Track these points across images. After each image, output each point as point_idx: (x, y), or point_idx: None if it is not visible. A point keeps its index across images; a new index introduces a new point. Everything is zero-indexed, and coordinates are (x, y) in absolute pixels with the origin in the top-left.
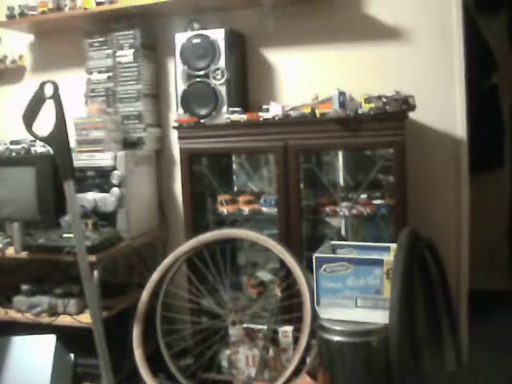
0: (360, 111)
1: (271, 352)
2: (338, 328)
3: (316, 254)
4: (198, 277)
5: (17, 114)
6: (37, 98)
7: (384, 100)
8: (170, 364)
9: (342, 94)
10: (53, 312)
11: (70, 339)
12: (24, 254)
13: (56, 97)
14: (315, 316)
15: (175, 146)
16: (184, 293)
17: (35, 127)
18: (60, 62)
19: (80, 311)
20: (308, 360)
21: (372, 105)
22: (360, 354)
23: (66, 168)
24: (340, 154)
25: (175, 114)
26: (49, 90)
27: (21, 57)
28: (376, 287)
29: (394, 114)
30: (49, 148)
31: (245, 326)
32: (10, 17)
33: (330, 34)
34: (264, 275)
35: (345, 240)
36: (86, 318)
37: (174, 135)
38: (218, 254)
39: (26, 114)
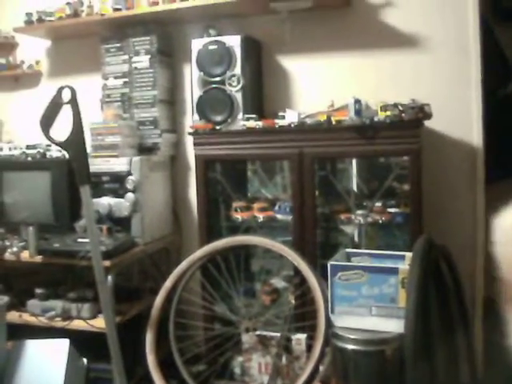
0: (376, 119)
1: (284, 359)
2: (352, 336)
3: (331, 262)
4: (211, 283)
5: (33, 119)
6: (54, 103)
7: (400, 108)
8: (183, 370)
9: (357, 101)
10: (66, 316)
11: (83, 344)
12: (39, 258)
13: (73, 102)
14: (329, 324)
15: (190, 152)
16: (197, 299)
17: (52, 132)
18: (76, 67)
19: (93, 316)
20: (321, 368)
21: (388, 113)
22: (374, 363)
23: (83, 173)
24: (354, 162)
25: (190, 120)
26: (66, 95)
27: (37, 62)
28: (391, 296)
29: (410, 122)
30: (64, 153)
31: (258, 333)
32: (28, 22)
33: (346, 41)
34: (278, 282)
35: (359, 248)
36: (99, 323)
37: (188, 141)
38: (232, 260)
39: (44, 118)
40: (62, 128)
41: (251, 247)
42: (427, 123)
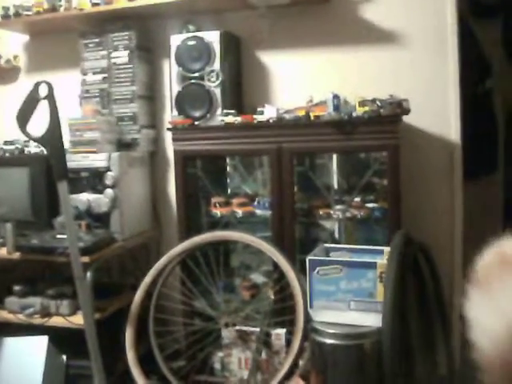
0: (354, 114)
1: (264, 354)
2: (330, 331)
3: (309, 257)
4: (191, 279)
5: (11, 115)
6: (31, 99)
7: (378, 103)
8: (163, 366)
9: (336, 97)
10: (45, 313)
11: (63, 340)
12: (17, 255)
13: (50, 97)
14: (308, 319)
15: (169, 148)
16: (177, 294)
17: (29, 127)
18: (55, 62)
19: (73, 312)
20: (300, 362)
21: (366, 108)
22: (353, 356)
23: (60, 169)
24: (334, 157)
25: (170, 115)
26: (43, 91)
27: (15, 57)
28: (369, 290)
29: (388, 117)
30: (42, 148)
31: (237, 328)
32: (5, 17)
33: (325, 37)
34: (257, 277)
35: (338, 243)
36: (78, 319)
37: (168, 137)
38: (212, 255)
39: (20, 114)
40: (40, 123)
41: (231, 242)
42: (406, 119)
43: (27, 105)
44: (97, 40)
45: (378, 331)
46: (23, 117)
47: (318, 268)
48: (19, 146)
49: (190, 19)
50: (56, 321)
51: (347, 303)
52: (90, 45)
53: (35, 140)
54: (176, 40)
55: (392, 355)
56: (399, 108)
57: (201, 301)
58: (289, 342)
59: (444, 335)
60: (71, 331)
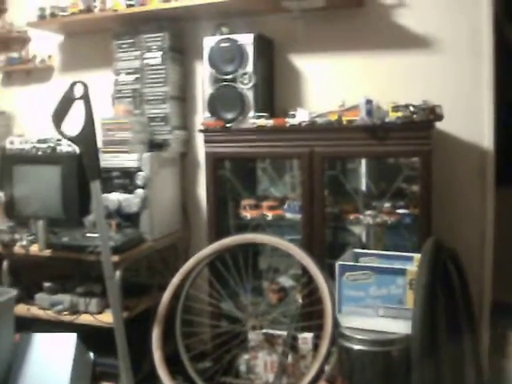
0: (387, 120)
1: (290, 358)
2: (358, 336)
3: (339, 262)
4: (219, 280)
5: (44, 113)
6: (66, 98)
7: (411, 109)
8: (189, 366)
9: (368, 101)
10: (74, 310)
11: (90, 338)
12: (47, 252)
13: (85, 97)
14: (336, 324)
15: (200, 149)
16: (204, 296)
17: (63, 127)
18: (88, 62)
19: (101, 311)
20: (327, 368)
21: (399, 113)
22: (380, 363)
23: (93, 168)
24: (363, 162)
25: (201, 117)
26: (79, 91)
27: (50, 57)
28: (398, 297)
29: (421, 123)
30: (74, 147)
31: (264, 331)
32: (41, 17)
33: (359, 42)
34: (285, 281)
35: (366, 248)
36: (106, 318)
37: (199, 138)
38: (240, 258)
39: (56, 113)
40: (74, 123)
41: (259, 245)
42: (438, 125)
43: (62, 104)
44: (130, 41)
45: (406, 338)
46: (58, 116)
47: (347, 273)
48: (52, 145)
49: (223, 21)
50: (84, 319)
51: (376, 309)
52: (124, 45)
53: (70, 139)
54: (209, 42)
55: (420, 364)
56: (432, 114)
57: (228, 303)
58: (316, 347)
59: (473, 345)
60: (98, 329)
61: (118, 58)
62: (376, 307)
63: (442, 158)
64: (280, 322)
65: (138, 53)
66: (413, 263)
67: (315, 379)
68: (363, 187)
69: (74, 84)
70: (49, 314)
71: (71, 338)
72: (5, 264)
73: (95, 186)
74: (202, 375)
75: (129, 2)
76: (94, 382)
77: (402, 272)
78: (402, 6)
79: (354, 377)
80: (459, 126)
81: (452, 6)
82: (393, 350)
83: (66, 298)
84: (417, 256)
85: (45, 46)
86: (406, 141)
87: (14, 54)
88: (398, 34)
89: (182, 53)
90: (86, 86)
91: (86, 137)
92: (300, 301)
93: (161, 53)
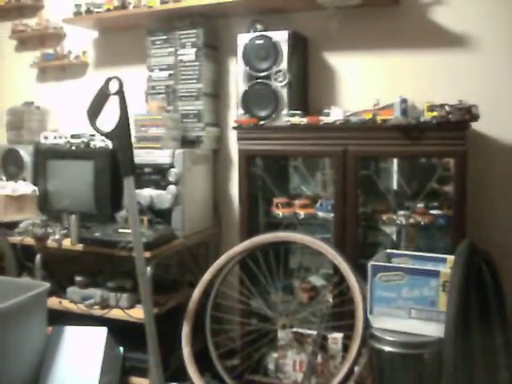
0: (422, 119)
1: (319, 358)
2: (390, 338)
3: (372, 262)
4: (249, 278)
5: (78, 109)
6: (102, 94)
7: (447, 109)
8: (217, 364)
9: (403, 101)
10: (105, 305)
11: (119, 332)
12: (80, 247)
13: (121, 93)
14: (367, 325)
15: (233, 147)
16: (235, 293)
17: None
18: (122, 58)
19: (131, 306)
20: (357, 369)
21: (434, 113)
22: (411, 366)
23: (127, 164)
24: (395, 161)
25: (234, 114)
26: (114, 86)
27: (84, 52)
28: (431, 299)
29: (457, 123)
30: (108, 143)
31: (294, 330)
32: (77, 14)
33: (394, 40)
34: (316, 280)
35: (398, 248)
36: (136, 313)
37: (231, 135)
38: (271, 255)
39: (91, 108)
40: (107, 119)
41: (290, 243)
42: (474, 125)
43: (97, 100)
44: (164, 37)
45: (438, 341)
46: (93, 112)
47: (380, 274)
48: (85, 140)
49: (257, 18)
50: (115, 313)
51: (408, 311)
52: (158, 42)
53: (104, 135)
54: (243, 39)
55: (453, 368)
56: (468, 114)
57: (258, 301)
58: (345, 347)
59: (506, 348)
60: (127, 324)
61: (152, 55)
62: (408, 309)
63: (477, 158)
64: (310, 322)
65: (171, 49)
66: (446, 265)
67: (345, 380)
68: (395, 187)
69: (109, 80)
70: (80, 308)
71: (102, 331)
72: (38, 257)
73: (129, 181)
74: (231, 373)
75: None
76: (123, 376)
77: (436, 274)
78: (439, 4)
79: (384, 379)
80: (496, 126)
81: (490, 2)
82: (424, 353)
83: (97, 293)
84: (450, 257)
85: (79, 41)
86: (440, 141)
87: (50, 50)
88: (435, 32)
89: (215, 49)
90: (121, 81)
91: (121, 132)
92: (331, 300)
93: (195, 49)
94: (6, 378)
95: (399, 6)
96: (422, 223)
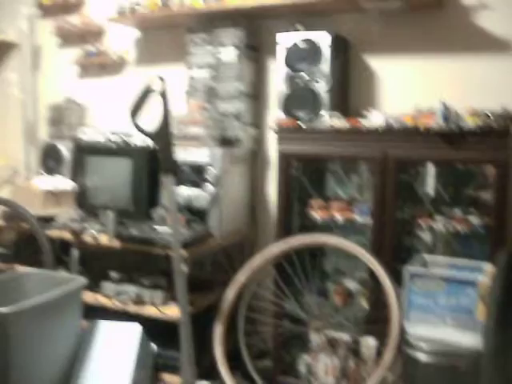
0: (463, 125)
1: (352, 363)
2: (425, 346)
3: (409, 268)
4: (284, 280)
5: (117, 106)
6: (145, 93)
7: (489, 115)
8: (249, 364)
9: (445, 106)
10: (139, 301)
11: (152, 329)
12: (116, 243)
13: (164, 93)
14: (402, 331)
15: (270, 148)
16: (268, 294)
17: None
18: (162, 56)
19: (165, 303)
20: (390, 375)
21: (476, 120)
22: (446, 375)
23: (168, 163)
24: (433, 167)
25: (273, 115)
26: (157, 86)
27: (124, 50)
28: (468, 308)
29: (499, 130)
30: (146, 140)
31: (327, 333)
32: (121, 13)
33: (436, 44)
34: (350, 284)
35: (433, 253)
36: (169, 311)
37: (270, 136)
38: (306, 258)
39: (134, 107)
40: (145, 117)
41: (326, 246)
42: None
43: (141, 99)
44: (204, 36)
45: (476, 352)
46: (135, 110)
47: (416, 280)
48: (124, 137)
49: (299, 19)
50: (149, 310)
51: (444, 319)
52: (198, 41)
53: (146, 134)
54: (285, 40)
55: (490, 380)
56: (511, 121)
57: (292, 303)
58: (379, 353)
59: None
60: (161, 321)
61: (192, 54)
62: (444, 316)
63: None
64: (343, 326)
65: (212, 48)
66: (483, 273)
67: None
68: (432, 192)
69: (152, 78)
70: (114, 303)
71: (136, 327)
72: (74, 252)
73: (169, 180)
74: (261, 374)
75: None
76: (155, 372)
77: (473, 283)
78: (484, 8)
79: None
80: None
81: None
82: (460, 363)
83: (131, 289)
84: (488, 266)
85: (120, 39)
86: (482, 148)
87: (91, 48)
88: (478, 36)
89: (255, 50)
90: (164, 81)
91: (163, 132)
92: (365, 305)
93: (235, 49)
94: (41, 370)
95: (442, 9)
96: (461, 230)
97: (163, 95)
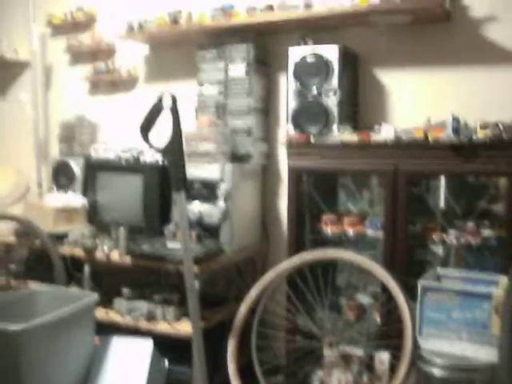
0: (474, 138)
1: (365, 378)
2: (439, 361)
3: (422, 282)
4: (296, 295)
5: (127, 122)
6: (155, 109)
7: (500, 127)
8: (262, 380)
9: (455, 119)
10: (151, 317)
11: (164, 345)
12: (127, 259)
13: (174, 109)
14: (416, 345)
15: (281, 163)
16: (281, 310)
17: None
18: (172, 73)
19: (177, 319)
20: None
21: (487, 132)
22: None
23: (179, 179)
24: (444, 179)
25: (283, 129)
26: (167, 102)
27: (134, 67)
28: (483, 322)
29: (510, 142)
30: (157, 157)
31: (340, 348)
32: (130, 30)
33: (445, 57)
34: (363, 298)
35: (446, 266)
36: (182, 327)
37: (280, 151)
38: (319, 272)
39: (144, 124)
40: (156, 133)
41: (338, 260)
42: None
43: (151, 115)
44: (214, 52)
45: (491, 367)
46: (146, 127)
47: (429, 294)
48: (135, 154)
49: (307, 34)
50: (161, 326)
51: (459, 333)
52: (208, 57)
53: (158, 150)
54: (294, 55)
55: None
56: None
57: (305, 318)
58: (392, 368)
59: None
60: (173, 337)
61: (202, 70)
62: (459, 331)
63: None
64: (357, 340)
65: (222, 64)
66: (497, 286)
67: None
68: (444, 205)
69: (162, 95)
70: (126, 320)
71: (148, 343)
72: (86, 268)
73: (180, 197)
74: None
75: (214, 15)
76: None
77: (488, 296)
78: (492, 20)
79: None
80: None
81: None
82: (476, 378)
83: (143, 305)
84: (502, 279)
85: (130, 56)
86: (493, 160)
87: (101, 65)
88: (486, 48)
89: (265, 64)
90: (174, 97)
91: (174, 148)
92: (378, 319)
93: (245, 64)
94: None
95: (450, 22)
96: (473, 243)
97: (173, 111)
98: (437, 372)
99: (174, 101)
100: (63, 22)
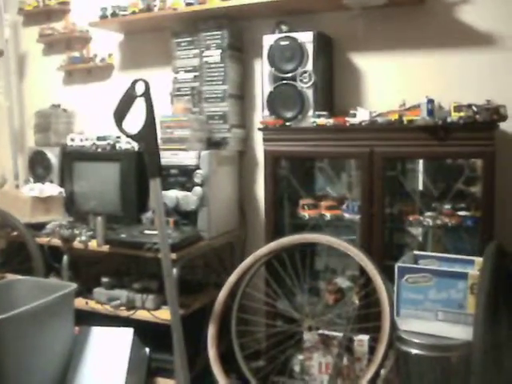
0: (449, 119)
1: (345, 360)
2: (416, 341)
3: (398, 264)
4: (275, 280)
5: (104, 111)
6: (128, 96)
7: (474, 109)
8: (243, 365)
9: (430, 101)
10: (131, 306)
11: (145, 333)
12: (106, 248)
13: (147, 95)
14: (394, 327)
15: (258, 148)
16: (260, 295)
17: (124, 124)
18: (147, 60)
19: (157, 307)
20: (383, 371)
21: (461, 113)
22: (438, 369)
23: (154, 166)
24: (421, 162)
25: (259, 115)
26: (140, 89)
27: (110, 55)
28: (459, 301)
29: (484, 123)
30: (134, 145)
31: (320, 332)
32: (103, 17)
33: (420, 39)
34: (342, 282)
35: (424, 250)
36: (162, 314)
37: (257, 137)
38: (297, 257)
39: (117, 111)
40: (133, 121)
41: (316, 245)
42: (502, 126)
43: (124, 102)
44: (189, 39)
45: (466, 344)
46: (120, 114)
47: (406, 275)
48: (111, 142)
49: (282, 19)
50: (141, 314)
51: (435, 313)
52: (183, 43)
53: (131, 137)
54: (268, 40)
55: (482, 372)
56: (496, 114)
57: (284, 302)
58: (372, 349)
59: None
60: (152, 325)
61: (177, 56)
62: (435, 311)
63: (506, 159)
64: (336, 323)
65: (196, 51)
66: (474, 267)
67: (371, 383)
68: (421, 188)
69: (135, 82)
70: (106, 309)
71: (128, 332)
72: (65, 258)
73: (155, 183)
74: (256, 374)
75: (188, 1)
76: (148, 376)
77: (463, 276)
78: (465, 2)
79: (411, 382)
80: None
81: None
82: (452, 356)
83: (123, 294)
84: (478, 259)
85: (105, 44)
86: (468, 142)
87: (76, 53)
88: (460, 31)
89: (240, 51)
90: (147, 83)
91: (148, 134)
92: (357, 302)
93: (220, 51)
94: (34, 377)
95: (424, 5)
96: (450, 225)
97: (147, 98)
98: (414, 351)
99: (147, 87)
100: (35, 8)
